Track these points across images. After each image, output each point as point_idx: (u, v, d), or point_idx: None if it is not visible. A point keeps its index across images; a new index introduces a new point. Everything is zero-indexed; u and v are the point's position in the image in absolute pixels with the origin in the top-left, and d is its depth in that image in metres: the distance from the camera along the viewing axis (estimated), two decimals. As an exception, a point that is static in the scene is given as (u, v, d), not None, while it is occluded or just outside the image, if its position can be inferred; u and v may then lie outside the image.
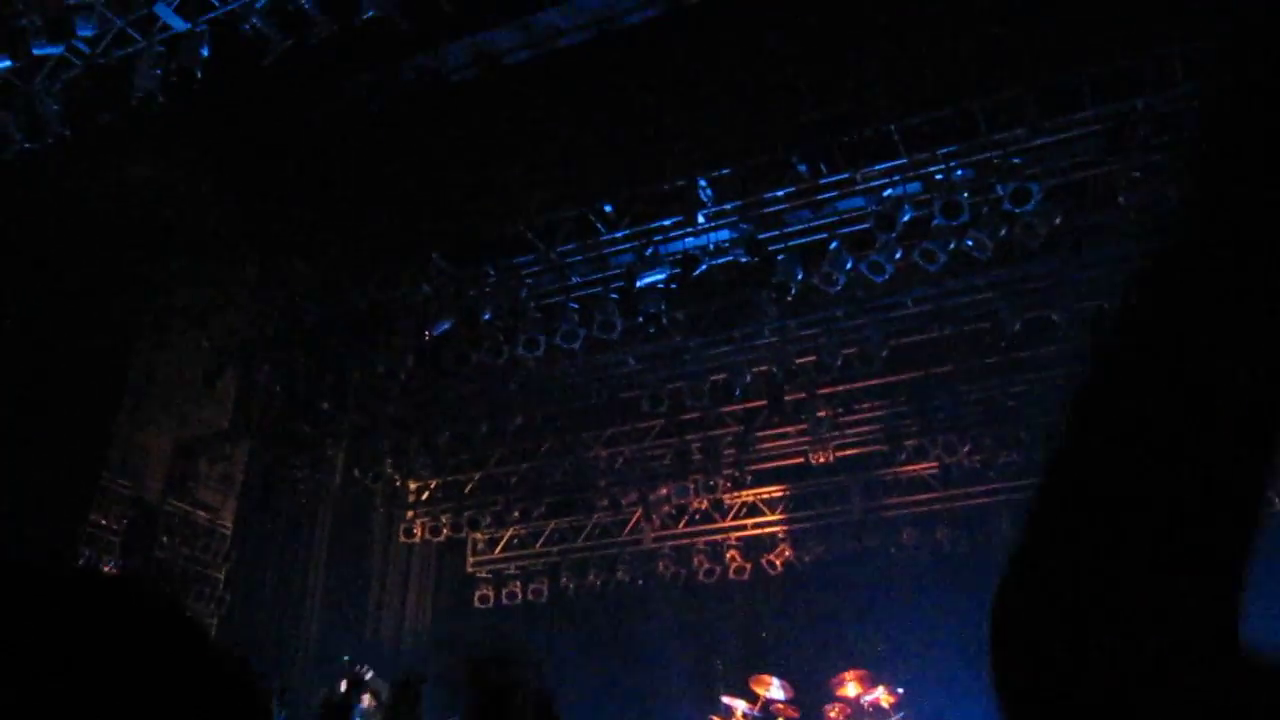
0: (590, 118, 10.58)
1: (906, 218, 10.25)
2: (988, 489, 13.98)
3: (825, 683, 12.78)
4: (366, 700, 9.25)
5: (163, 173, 10.96)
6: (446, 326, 12.19)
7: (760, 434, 14.38)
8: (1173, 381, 0.68)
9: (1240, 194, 0.69)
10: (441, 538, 16.26)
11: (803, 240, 11.07)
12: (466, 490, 16.17)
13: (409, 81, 9.97)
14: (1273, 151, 0.67)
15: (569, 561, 16.60)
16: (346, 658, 11.23)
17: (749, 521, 15.65)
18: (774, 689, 12.70)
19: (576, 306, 11.93)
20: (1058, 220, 9.91)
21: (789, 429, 14.13)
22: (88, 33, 8.96)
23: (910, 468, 14.22)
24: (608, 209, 11.51)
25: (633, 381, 13.71)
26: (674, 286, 11.47)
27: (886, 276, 10.61)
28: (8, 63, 9.11)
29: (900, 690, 12.53)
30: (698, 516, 15.76)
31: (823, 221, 10.98)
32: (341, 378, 13.06)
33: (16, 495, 9.62)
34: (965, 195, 9.99)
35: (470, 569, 17.23)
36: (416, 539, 16.34)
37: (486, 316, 11.98)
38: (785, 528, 15.43)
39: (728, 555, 15.72)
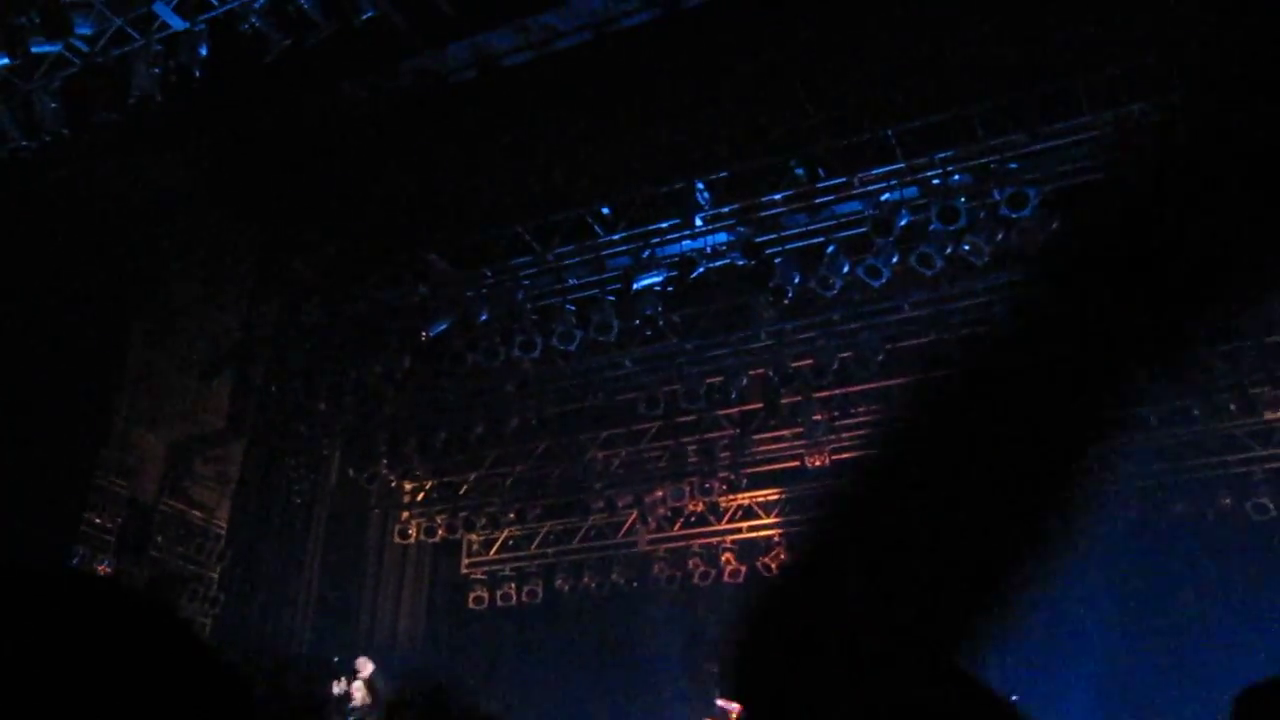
0: (588, 120, 10.59)
1: (903, 222, 10.27)
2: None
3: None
4: (359, 697, 9.24)
5: (160, 172, 10.95)
6: (443, 327, 12.19)
7: (756, 437, 14.38)
8: None
9: None
10: (436, 539, 16.24)
11: (800, 244, 11.08)
12: (462, 491, 16.15)
13: (407, 82, 9.98)
14: None
15: (564, 563, 16.59)
16: (337, 658, 11.23)
17: (744, 524, 15.64)
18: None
19: (573, 308, 11.93)
20: (1054, 225, 9.91)
21: (785, 432, 14.13)
22: (86, 31, 8.96)
23: (905, 472, 14.20)
24: (605, 211, 11.53)
25: (629, 384, 13.71)
26: (671, 289, 11.49)
27: (883, 281, 10.61)
28: (5, 60, 9.10)
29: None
30: (693, 519, 15.75)
31: (820, 225, 10.99)
32: (337, 378, 13.05)
33: (11, 493, 9.60)
34: (962, 200, 10.01)
35: (465, 570, 17.20)
36: (411, 540, 16.32)
37: (483, 318, 11.98)
38: (780, 531, 15.42)
39: (723, 558, 15.71)
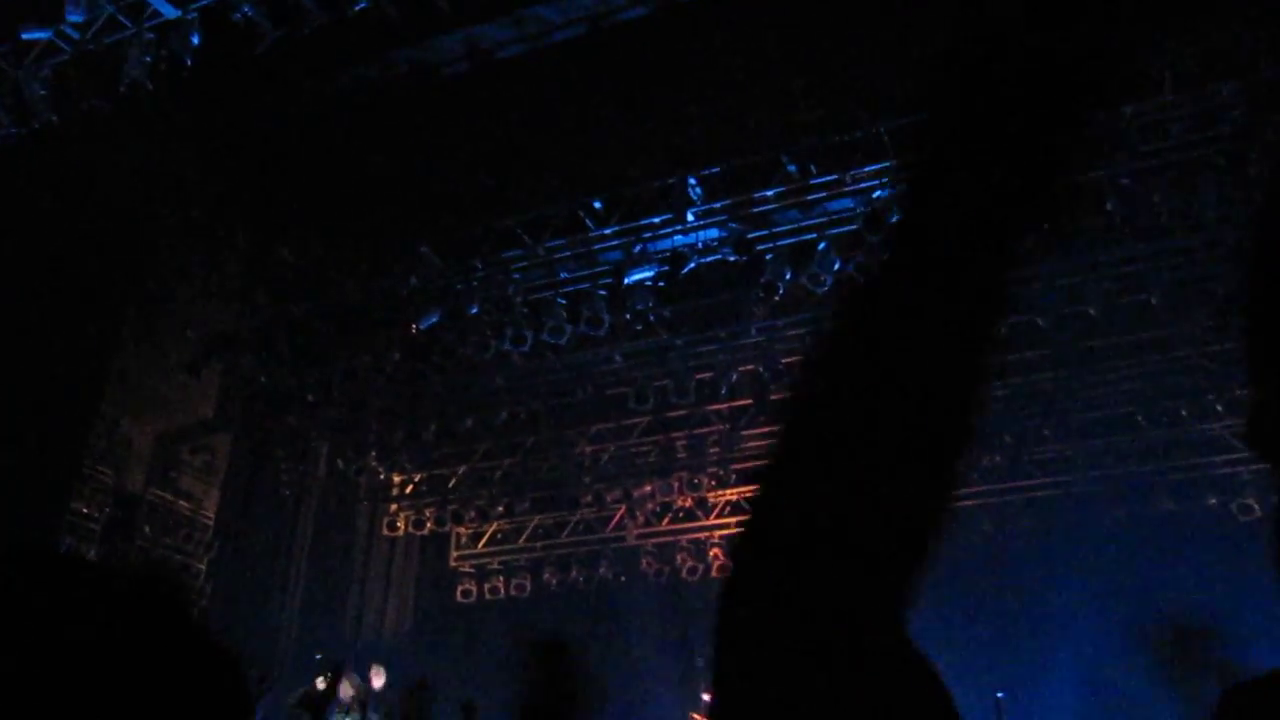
0: (581, 114, 10.57)
1: (895, 219, 10.27)
2: (971, 491, 14.04)
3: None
4: (345, 692, 9.22)
5: (150, 161, 10.90)
6: (434, 320, 12.18)
7: (745, 433, 14.40)
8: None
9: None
10: (425, 531, 16.24)
11: (791, 240, 11.08)
12: (450, 484, 16.15)
13: (400, 74, 9.95)
14: None
15: (552, 557, 16.61)
16: (319, 655, 11.20)
17: (733, 520, 15.66)
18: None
19: (564, 302, 11.93)
20: (1044, 225, 9.93)
21: (774, 428, 14.13)
22: (77, 18, 8.91)
23: (894, 469, 14.24)
24: (597, 205, 11.51)
25: (619, 378, 13.71)
26: (662, 284, 11.48)
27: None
28: (-4, 47, 9.06)
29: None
30: (681, 514, 15.78)
31: (811, 222, 10.99)
32: (327, 370, 13.02)
33: (-2, 482, 9.58)
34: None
35: (453, 563, 17.22)
36: (400, 532, 16.32)
37: (474, 311, 11.96)
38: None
39: (711, 553, 15.74)
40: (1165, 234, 9.91)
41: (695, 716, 13.13)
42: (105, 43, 9.23)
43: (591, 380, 13.96)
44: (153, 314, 12.25)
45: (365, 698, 9.18)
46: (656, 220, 11.34)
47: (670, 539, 15.98)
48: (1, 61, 9.38)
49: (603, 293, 11.68)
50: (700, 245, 11.28)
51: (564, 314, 11.81)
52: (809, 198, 10.76)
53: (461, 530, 16.92)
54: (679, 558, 15.89)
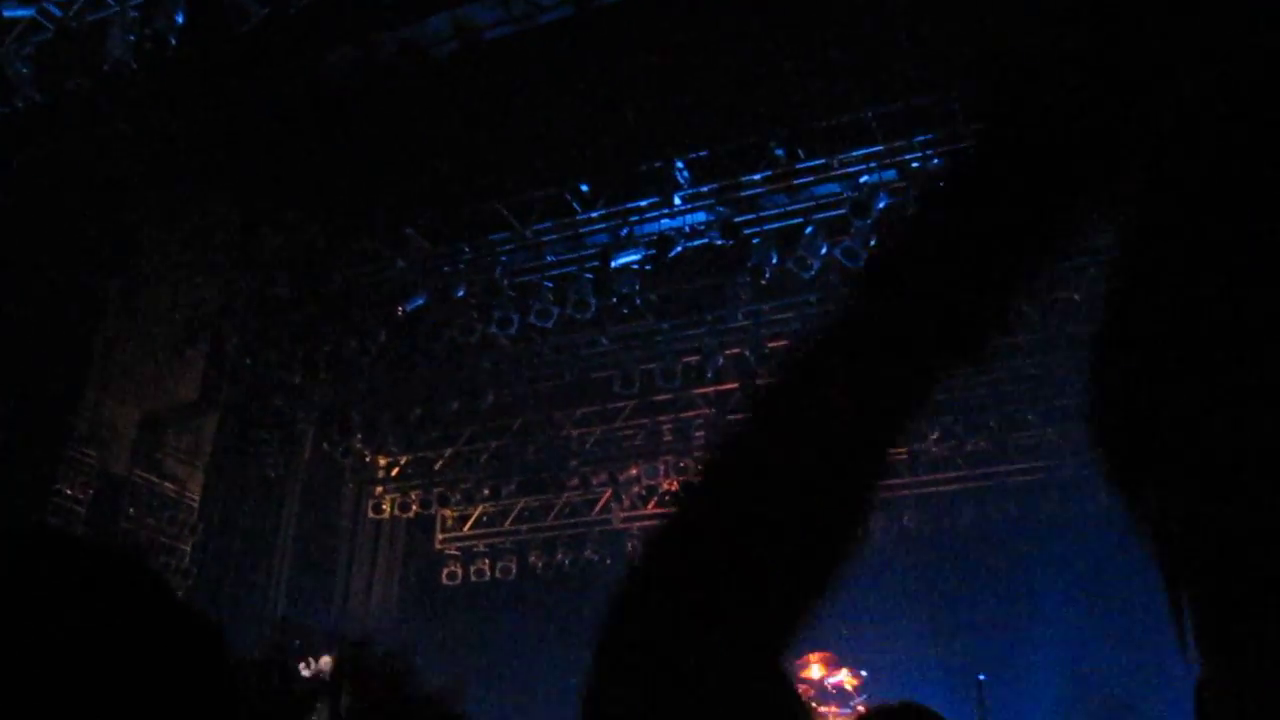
0: (568, 96, 10.53)
1: (882, 205, 10.29)
2: (955, 475, 14.13)
3: (789, 665, 12.85)
4: (325, 663, 9.19)
5: (134, 141, 10.82)
6: (420, 302, 12.16)
7: (731, 417, 14.40)
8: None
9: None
10: (410, 514, 16.25)
11: (778, 224, 11.10)
12: (436, 467, 16.15)
13: (387, 54, 9.89)
14: None
15: (538, 540, 16.64)
16: (298, 641, 11.18)
17: (718, 504, 15.70)
18: (739, 670, 12.77)
19: (551, 285, 11.92)
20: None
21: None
22: (60, -4, 8.84)
23: (879, 453, 14.30)
24: (584, 188, 11.49)
25: (605, 362, 13.72)
26: (648, 268, 11.48)
27: (861, 263, 10.64)
28: (-23, 24, 8.97)
29: (864, 673, 12.65)
30: (667, 498, 15.81)
31: (798, 206, 11.01)
32: (312, 351, 12.99)
33: (-20, 463, 9.54)
34: (941, 183, 10.03)
35: (439, 546, 17.23)
36: (385, 515, 16.32)
37: (460, 293, 11.94)
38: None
39: (696, 537, 15.78)
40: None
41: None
42: (88, 21, 9.14)
43: (578, 363, 13.97)
44: (137, 295, 12.18)
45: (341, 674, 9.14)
46: (643, 204, 11.33)
47: (656, 522, 15.98)
48: (-17, 39, 9.29)
49: (589, 276, 11.67)
50: (687, 229, 11.28)
51: (550, 297, 11.80)
52: (796, 182, 10.77)
53: (447, 513, 16.92)
54: (664, 541, 15.92)
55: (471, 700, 11.33)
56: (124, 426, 12.17)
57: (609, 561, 16.28)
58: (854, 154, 10.43)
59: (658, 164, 10.95)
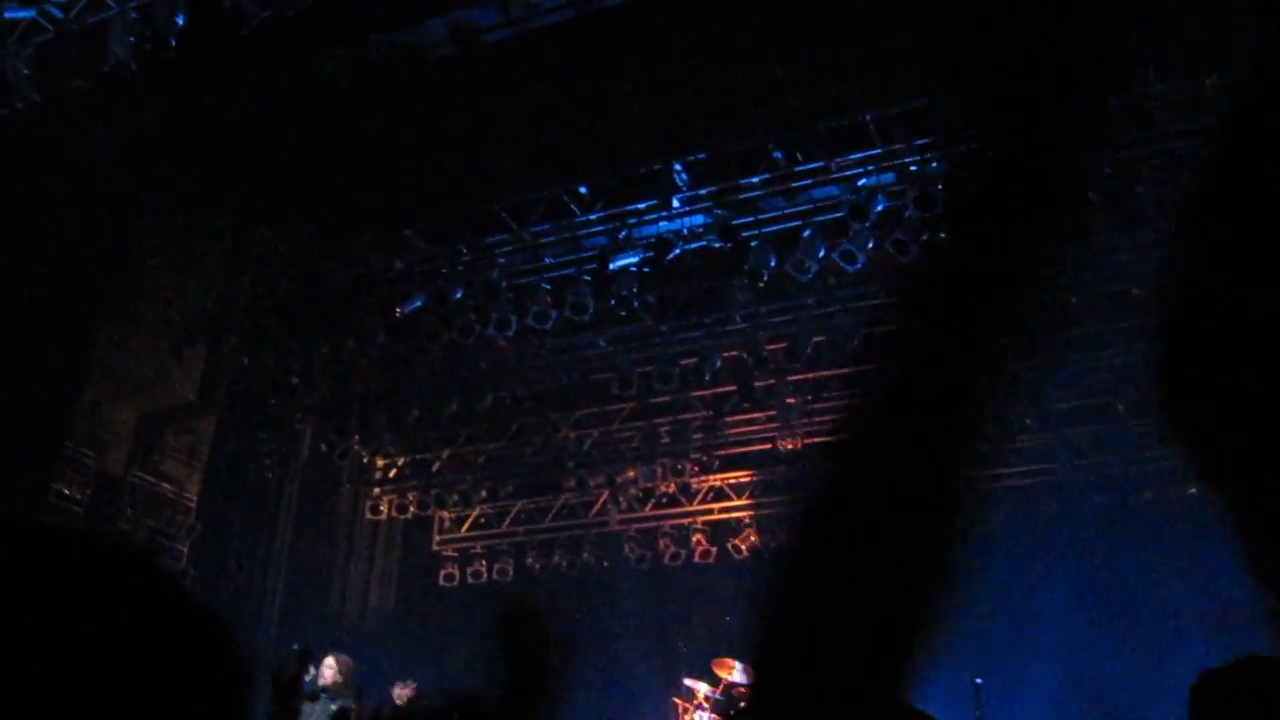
0: (567, 99, 10.55)
1: (880, 208, 10.31)
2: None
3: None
4: (329, 675, 9.17)
5: (133, 142, 10.83)
6: (418, 304, 12.16)
7: (729, 419, 14.44)
8: None
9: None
10: (408, 515, 16.23)
11: (776, 227, 11.11)
12: (434, 468, 16.15)
13: (386, 57, 9.90)
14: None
15: (535, 542, 16.63)
16: (295, 646, 11.14)
17: (715, 506, 15.72)
18: (736, 673, 12.78)
19: (549, 287, 11.92)
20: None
21: (758, 415, 14.19)
22: (60, -3, 8.84)
23: (876, 456, 14.30)
24: (582, 190, 11.51)
25: (603, 364, 13.72)
26: (647, 270, 11.49)
27: (859, 266, 10.66)
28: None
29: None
30: (664, 500, 15.82)
31: (796, 209, 11.02)
32: (310, 352, 12.99)
33: (-22, 463, 9.53)
34: (939, 187, 10.05)
35: (436, 547, 17.22)
36: (382, 516, 16.31)
37: (458, 295, 11.95)
38: (751, 513, 15.52)
39: (693, 539, 15.79)
40: (1147, 223, 9.97)
41: (676, 701, 13.19)
42: (89, 22, 9.15)
43: (576, 365, 13.97)
44: (135, 295, 12.18)
45: (352, 678, 9.11)
46: (642, 206, 11.34)
47: (653, 524, 16.01)
48: (-17, 40, 9.29)
49: (587, 278, 11.68)
50: (685, 231, 11.29)
51: (548, 299, 11.80)
52: (794, 185, 10.79)
53: (445, 514, 16.92)
54: (661, 543, 15.93)
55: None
56: (122, 427, 12.17)
57: (606, 564, 16.29)
58: (852, 157, 10.45)
59: (656, 166, 10.96)
